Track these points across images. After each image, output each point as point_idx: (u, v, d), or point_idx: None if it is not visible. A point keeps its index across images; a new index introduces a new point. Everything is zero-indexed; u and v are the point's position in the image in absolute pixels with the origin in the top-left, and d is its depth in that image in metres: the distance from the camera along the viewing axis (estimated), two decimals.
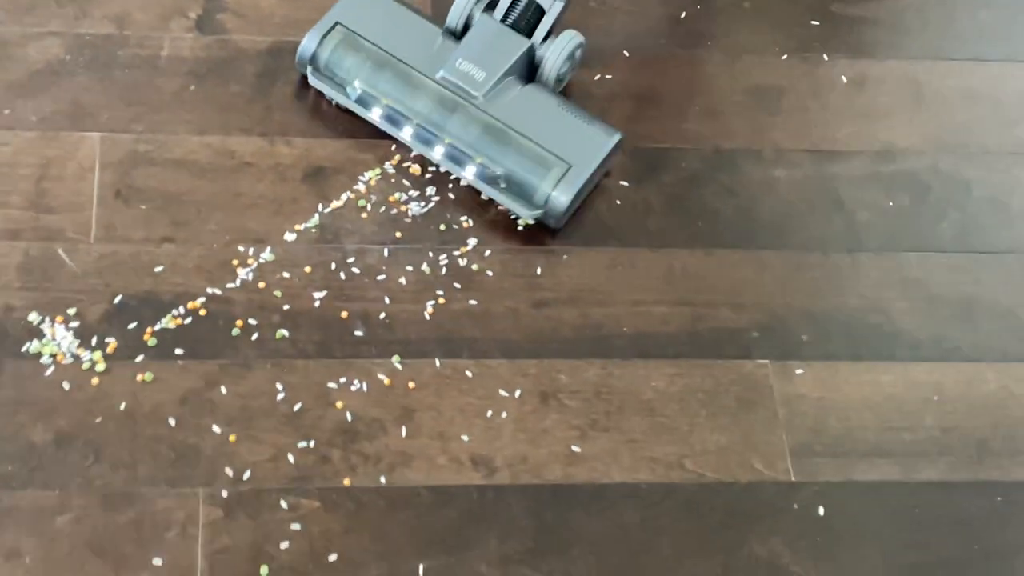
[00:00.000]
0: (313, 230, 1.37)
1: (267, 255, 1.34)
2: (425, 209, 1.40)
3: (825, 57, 1.59)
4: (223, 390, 1.26)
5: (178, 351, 1.28)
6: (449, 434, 1.28)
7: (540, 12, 1.44)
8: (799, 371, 1.37)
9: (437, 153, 1.40)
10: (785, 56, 1.58)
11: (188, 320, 1.30)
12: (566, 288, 1.38)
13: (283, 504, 1.22)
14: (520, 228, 1.40)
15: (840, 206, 1.48)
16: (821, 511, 1.29)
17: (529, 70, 1.45)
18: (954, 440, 1.35)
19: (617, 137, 1.42)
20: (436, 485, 1.25)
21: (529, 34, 1.44)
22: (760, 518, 1.28)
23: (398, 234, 1.38)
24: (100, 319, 1.28)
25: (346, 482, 1.24)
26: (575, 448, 1.29)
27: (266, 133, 1.42)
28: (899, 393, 1.37)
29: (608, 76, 1.53)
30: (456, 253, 1.38)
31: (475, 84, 1.40)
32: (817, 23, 1.61)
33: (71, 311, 1.28)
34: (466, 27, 1.44)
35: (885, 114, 1.56)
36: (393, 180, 1.41)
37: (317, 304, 1.32)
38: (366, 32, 1.43)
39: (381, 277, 1.35)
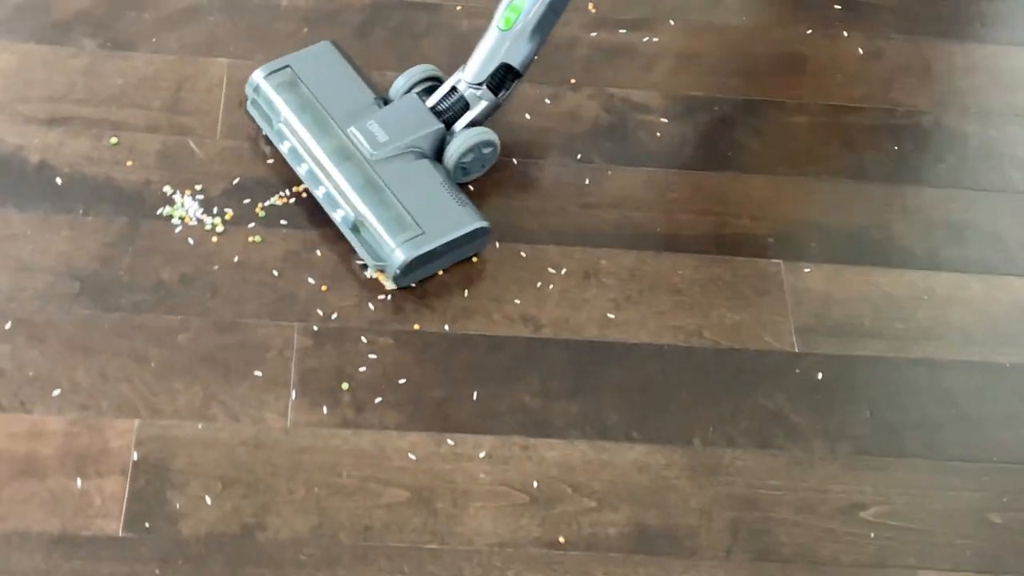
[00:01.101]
0: None
1: None
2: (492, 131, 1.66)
3: (845, 34, 1.84)
4: (318, 252, 1.52)
5: (283, 222, 1.54)
6: (503, 298, 1.52)
7: (466, 105, 1.56)
8: (807, 269, 1.59)
9: (319, 192, 1.52)
10: (810, 31, 1.83)
11: (292, 200, 1.56)
12: (609, 196, 1.63)
13: (363, 339, 1.46)
14: (578, 156, 1.66)
15: (851, 147, 1.72)
16: (820, 376, 1.50)
17: (437, 154, 1.56)
18: (942, 330, 1.56)
19: (479, 224, 1.50)
20: (490, 335, 1.49)
21: (450, 124, 1.57)
22: (766, 378, 1.50)
23: None
24: (221, 194, 1.55)
25: (416, 327, 1.48)
26: (610, 315, 1.52)
27: (363, 66, 1.69)
28: (894, 292, 1.59)
29: (655, 39, 1.79)
30: (516, 162, 1.64)
31: (374, 143, 1.52)
32: (839, 7, 1.87)
33: (197, 187, 1.55)
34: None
35: (895, 80, 1.80)
36: None
37: None
38: (308, 80, 1.58)
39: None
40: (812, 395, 1.49)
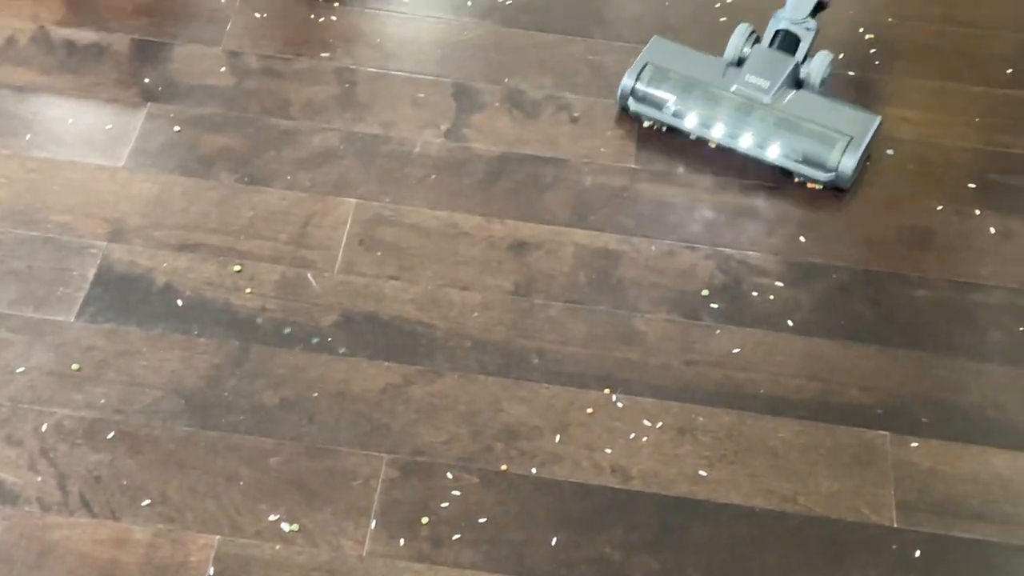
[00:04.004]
0: (510, 285, 1.66)
1: (469, 297, 1.64)
2: (604, 284, 1.67)
3: (977, 212, 1.80)
4: (416, 389, 1.54)
5: (387, 356, 1.57)
6: (595, 446, 1.51)
7: (796, 39, 1.89)
8: (915, 444, 1.53)
9: (743, 143, 1.84)
10: (940, 207, 1.81)
11: (398, 335, 1.60)
12: (715, 354, 1.62)
13: (449, 476, 1.47)
14: (686, 313, 1.65)
15: (974, 326, 1.67)
16: (918, 553, 1.43)
17: (794, 81, 1.88)
18: None
19: (879, 119, 1.84)
20: (578, 482, 1.48)
21: (791, 54, 1.90)
22: (860, 551, 1.44)
23: (579, 297, 1.66)
24: (331, 325, 1.60)
25: (503, 468, 1.48)
26: (702, 472, 1.49)
27: (485, 214, 1.74)
28: (1007, 475, 1.51)
29: (778, 202, 1.79)
30: (622, 313, 1.64)
31: (763, 91, 1.86)
32: (974, 186, 1.84)
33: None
34: (740, 60, 1.89)
35: None
36: (591, 252, 1.70)
37: (502, 337, 1.60)
38: (671, 66, 1.89)
39: (560, 326, 1.62)
40: (907, 573, 1.42)
